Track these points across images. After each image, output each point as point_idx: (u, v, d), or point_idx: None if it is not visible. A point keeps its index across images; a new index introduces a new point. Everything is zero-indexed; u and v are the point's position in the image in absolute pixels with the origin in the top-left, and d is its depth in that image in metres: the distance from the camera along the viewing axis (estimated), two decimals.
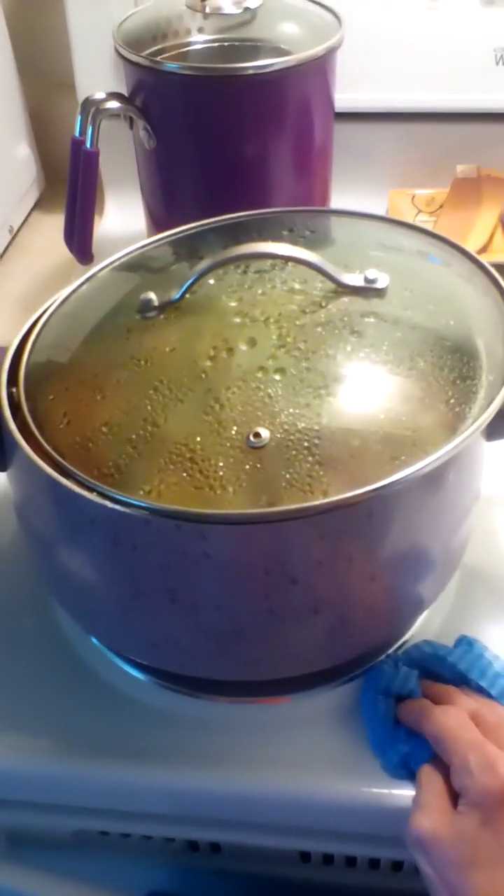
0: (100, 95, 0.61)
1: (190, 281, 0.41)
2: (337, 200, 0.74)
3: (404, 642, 0.47)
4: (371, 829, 0.43)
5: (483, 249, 0.71)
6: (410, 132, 0.79)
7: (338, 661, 0.43)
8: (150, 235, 0.69)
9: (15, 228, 0.85)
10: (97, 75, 0.75)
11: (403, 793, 0.41)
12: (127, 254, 0.48)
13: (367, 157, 0.80)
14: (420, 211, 0.79)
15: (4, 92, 0.82)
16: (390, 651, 0.46)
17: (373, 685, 0.43)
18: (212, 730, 0.44)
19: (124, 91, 0.64)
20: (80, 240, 0.64)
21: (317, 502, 0.34)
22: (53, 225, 0.85)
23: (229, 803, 0.43)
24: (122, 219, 0.81)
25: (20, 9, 0.84)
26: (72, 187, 0.63)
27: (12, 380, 0.41)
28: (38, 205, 0.90)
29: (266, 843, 0.47)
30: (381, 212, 0.80)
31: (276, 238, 0.46)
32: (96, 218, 0.67)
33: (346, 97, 0.69)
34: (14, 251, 0.84)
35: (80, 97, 0.76)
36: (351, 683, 0.45)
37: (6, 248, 0.83)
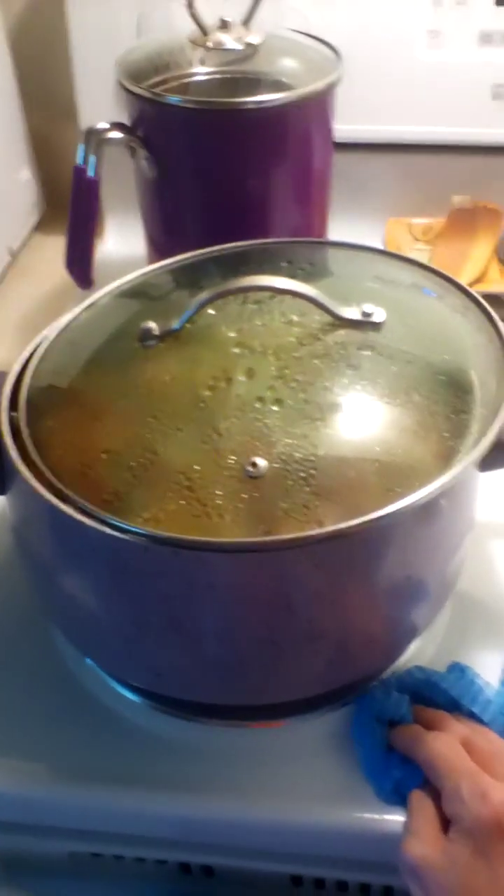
0: (102, 125, 0.62)
1: (190, 311, 0.42)
2: (335, 228, 0.75)
3: (398, 667, 0.47)
4: (363, 854, 0.44)
5: (478, 280, 0.72)
6: (408, 163, 0.80)
7: (333, 687, 0.44)
8: (150, 262, 0.70)
9: (15, 250, 0.86)
10: (99, 103, 0.76)
11: (396, 818, 0.41)
12: (128, 281, 0.49)
13: (366, 186, 0.81)
14: (417, 239, 0.80)
15: (7, 116, 0.83)
16: (383, 676, 0.46)
17: (365, 711, 0.44)
18: (206, 754, 0.44)
19: (126, 120, 0.65)
20: (80, 266, 0.65)
21: (313, 532, 0.34)
22: (53, 247, 0.86)
23: (223, 827, 0.44)
24: (122, 243, 0.82)
25: (24, 35, 0.85)
26: (73, 214, 0.64)
27: (13, 404, 0.41)
28: (39, 227, 0.91)
29: (258, 867, 0.47)
30: (378, 240, 0.81)
31: (275, 269, 0.47)
32: (96, 241, 0.68)
33: (346, 128, 0.71)
34: (14, 273, 0.85)
35: (83, 125, 0.77)
36: (346, 708, 0.45)
37: (6, 270, 0.84)
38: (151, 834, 0.45)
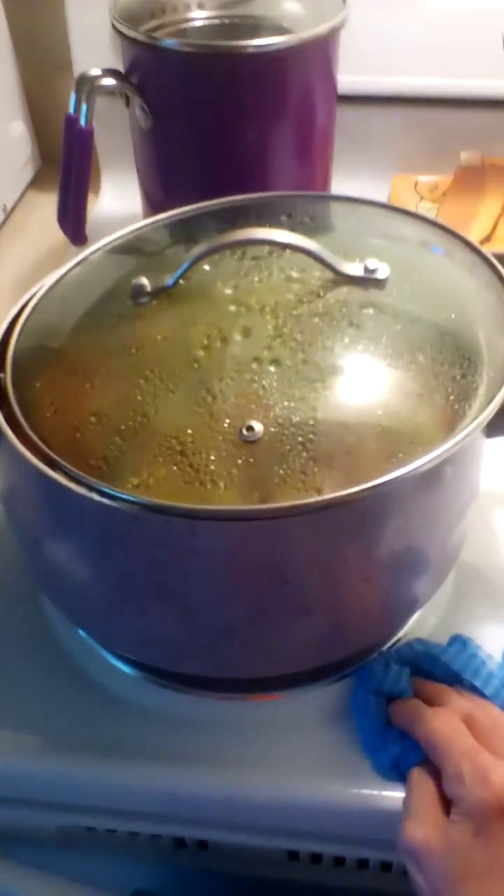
0: (95, 72, 0.59)
1: (184, 267, 0.40)
2: (339, 185, 0.72)
3: (398, 640, 0.46)
4: (361, 830, 0.43)
5: (486, 239, 0.70)
6: (414, 117, 0.78)
7: (330, 660, 0.42)
8: (145, 217, 0.68)
9: (9, 207, 0.84)
10: (95, 53, 0.74)
11: (394, 794, 0.40)
12: (121, 236, 0.47)
13: (370, 141, 0.79)
14: (423, 198, 0.77)
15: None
16: (383, 649, 0.45)
17: (364, 684, 0.43)
18: (201, 727, 0.43)
19: (121, 68, 0.62)
20: (73, 220, 0.63)
21: (310, 500, 0.33)
22: (49, 204, 0.84)
23: (218, 802, 0.43)
24: (119, 199, 0.80)
25: None
26: (65, 167, 0.61)
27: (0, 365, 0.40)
28: (34, 183, 0.88)
29: (254, 842, 0.46)
30: (383, 198, 0.78)
31: (274, 223, 0.45)
32: (92, 197, 0.65)
33: (349, 80, 0.68)
34: (8, 230, 0.83)
35: (77, 74, 0.75)
36: (344, 681, 0.44)
37: (0, 228, 0.82)
38: (145, 808, 0.45)
